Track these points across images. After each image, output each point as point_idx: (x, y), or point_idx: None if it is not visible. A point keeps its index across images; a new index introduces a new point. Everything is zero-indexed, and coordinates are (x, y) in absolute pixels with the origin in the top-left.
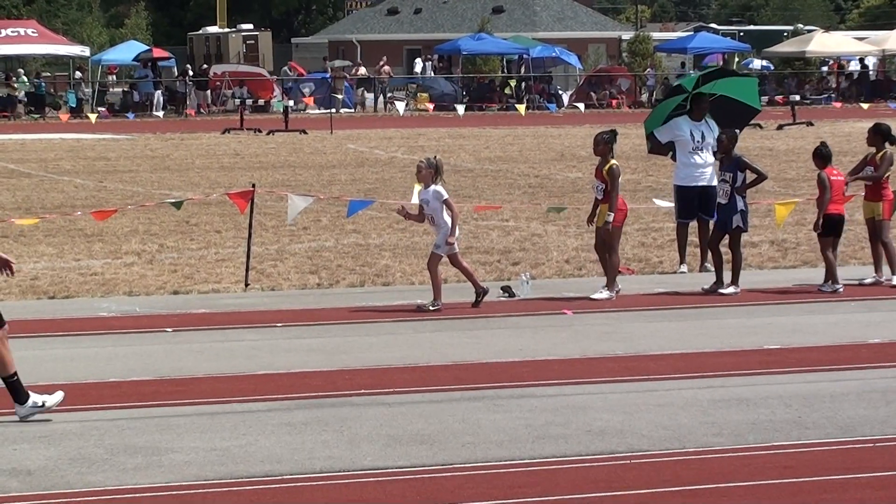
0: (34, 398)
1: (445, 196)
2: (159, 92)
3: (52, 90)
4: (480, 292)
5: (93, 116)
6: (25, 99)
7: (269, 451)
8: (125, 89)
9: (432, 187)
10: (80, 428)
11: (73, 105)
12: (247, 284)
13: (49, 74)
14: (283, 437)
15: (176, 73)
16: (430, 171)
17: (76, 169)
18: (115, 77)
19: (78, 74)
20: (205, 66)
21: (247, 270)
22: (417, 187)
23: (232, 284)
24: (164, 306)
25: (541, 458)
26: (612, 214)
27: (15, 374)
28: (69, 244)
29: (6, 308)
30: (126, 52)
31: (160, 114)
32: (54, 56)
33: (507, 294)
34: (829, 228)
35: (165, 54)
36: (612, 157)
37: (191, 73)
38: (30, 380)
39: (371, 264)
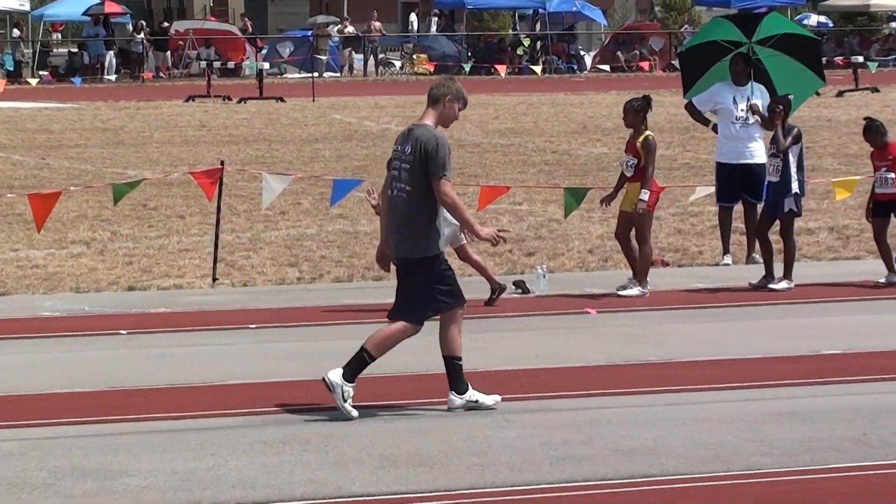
0: None
1: None
2: (111, 53)
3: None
4: (496, 289)
5: (33, 81)
6: None
7: (240, 475)
8: (72, 50)
9: None
10: (19, 447)
11: (10, 68)
12: (215, 279)
13: None
14: (257, 458)
15: (131, 31)
16: None
17: (13, 143)
18: (59, 35)
19: (16, 32)
20: (165, 22)
21: (214, 263)
22: None
23: (197, 279)
24: (118, 305)
25: (560, 482)
26: (647, 192)
27: None
28: (5, 232)
29: None
30: (73, 5)
31: (112, 78)
32: None
33: (520, 290)
34: (881, 209)
35: (119, 9)
36: (647, 128)
37: (148, 30)
38: None
39: (360, 255)
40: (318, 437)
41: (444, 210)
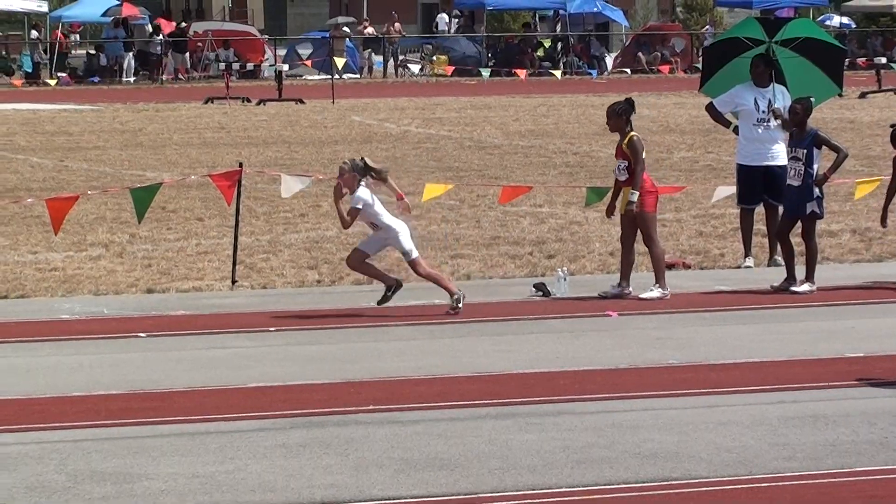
0: None
1: (357, 205)
2: (130, 54)
3: (3, 52)
4: (392, 286)
5: (52, 83)
6: None
7: (260, 478)
8: (90, 51)
9: (358, 192)
10: (39, 451)
11: (29, 70)
12: (234, 282)
13: (0, 34)
14: (277, 462)
15: (150, 33)
16: (354, 175)
17: (32, 145)
18: (78, 37)
19: (34, 34)
20: (184, 23)
21: (234, 265)
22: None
23: (216, 281)
24: (137, 307)
25: (581, 485)
26: (637, 193)
27: None
28: (24, 234)
29: None
30: (91, 7)
31: (131, 80)
32: (6, 12)
33: (540, 293)
34: None
35: (137, 11)
36: (632, 129)
37: (167, 32)
38: None
39: (380, 258)
40: (338, 440)
41: (381, 222)
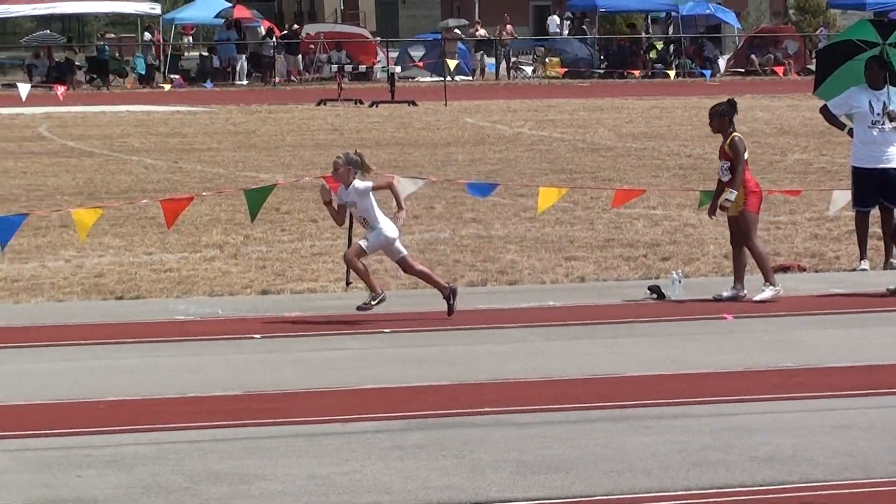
0: None
1: (370, 183)
2: (243, 57)
3: (117, 54)
4: (447, 293)
5: (165, 85)
6: (86, 65)
7: (376, 480)
8: (203, 53)
9: (352, 185)
10: (156, 451)
11: (142, 72)
12: (348, 283)
13: (114, 36)
14: (393, 463)
15: (262, 35)
16: (349, 169)
17: (146, 147)
18: (191, 39)
19: (147, 36)
20: (296, 25)
21: (348, 267)
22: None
23: (330, 283)
24: (252, 308)
25: (697, 488)
26: (734, 192)
27: None
28: (139, 235)
29: (67, 310)
30: (204, 9)
31: (244, 82)
32: (120, 14)
33: (655, 295)
34: None
35: (249, 14)
36: (734, 130)
37: (279, 34)
38: (95, 394)
39: (494, 259)
40: (454, 442)
41: (373, 217)
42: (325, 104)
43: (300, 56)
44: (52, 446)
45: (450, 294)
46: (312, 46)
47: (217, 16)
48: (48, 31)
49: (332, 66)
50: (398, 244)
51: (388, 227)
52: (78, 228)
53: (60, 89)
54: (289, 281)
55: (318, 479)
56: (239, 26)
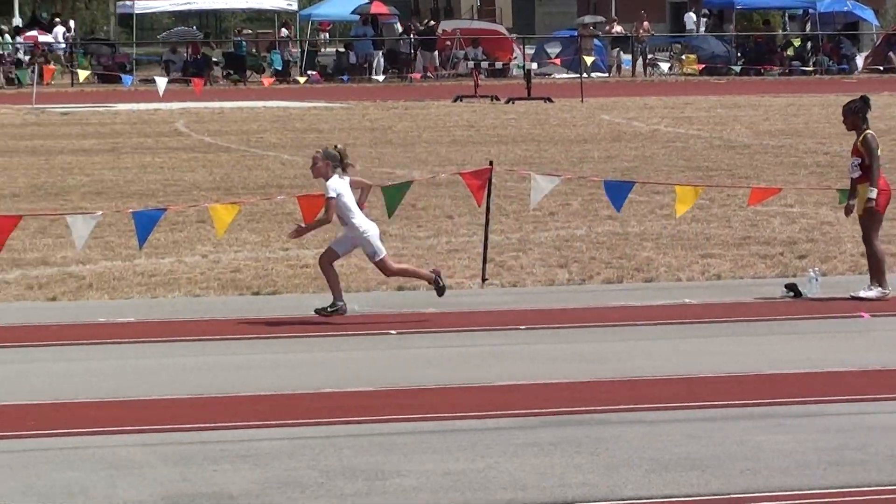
0: None
1: (346, 178)
2: (380, 53)
3: (254, 50)
4: (433, 279)
5: (302, 81)
6: (223, 61)
7: (511, 476)
8: (339, 49)
9: (330, 181)
10: (290, 446)
11: (279, 68)
12: (484, 279)
13: (251, 32)
14: (528, 460)
15: (399, 31)
16: (327, 164)
17: (282, 142)
18: (327, 35)
19: (284, 32)
20: (432, 22)
21: (484, 263)
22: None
23: (466, 279)
24: (388, 304)
25: (834, 487)
26: (875, 190)
27: None
28: (276, 231)
29: (204, 305)
30: (340, 5)
31: (380, 78)
32: (256, 11)
33: (791, 293)
34: None
35: (385, 10)
36: (867, 127)
37: (416, 30)
38: (231, 389)
39: (630, 257)
40: (589, 439)
41: (347, 222)
42: (461, 100)
43: (436, 52)
44: (188, 441)
45: (436, 279)
46: (449, 43)
47: (353, 12)
48: (185, 27)
49: (469, 62)
50: (378, 244)
51: (368, 223)
52: (215, 224)
53: (198, 85)
54: None
55: (453, 475)
56: (376, 22)
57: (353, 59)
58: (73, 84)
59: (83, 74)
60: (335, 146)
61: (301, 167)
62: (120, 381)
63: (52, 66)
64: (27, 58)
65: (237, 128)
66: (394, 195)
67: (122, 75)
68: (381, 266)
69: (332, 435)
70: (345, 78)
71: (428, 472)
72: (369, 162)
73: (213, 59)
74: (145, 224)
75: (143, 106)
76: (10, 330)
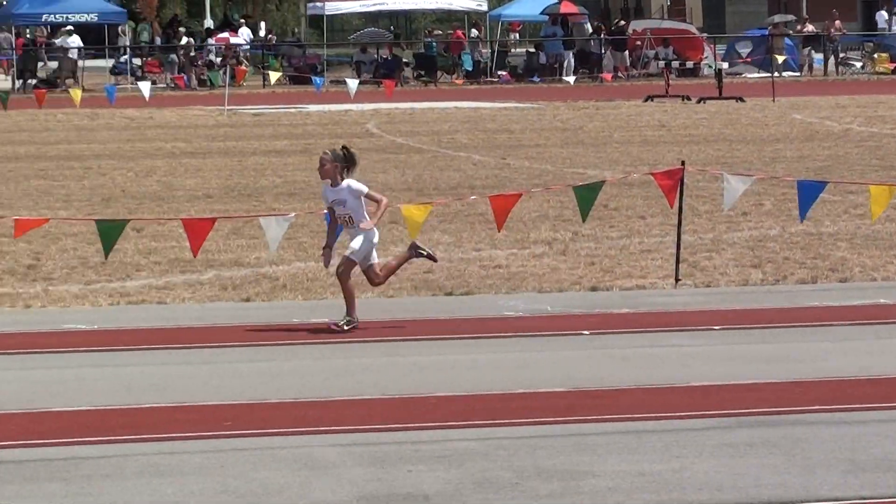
0: None
1: (366, 190)
2: (570, 53)
3: (444, 51)
4: (352, 321)
5: (493, 81)
6: (413, 61)
7: (706, 477)
8: (529, 50)
9: (343, 183)
10: (484, 447)
11: (469, 68)
12: (677, 280)
13: (440, 33)
14: (723, 461)
15: (589, 31)
16: (336, 165)
17: (474, 143)
18: (517, 36)
19: (474, 32)
20: (622, 21)
21: (677, 263)
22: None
23: (659, 280)
24: (581, 305)
25: None
26: None
27: None
28: (468, 232)
29: (397, 305)
30: (530, 5)
31: (571, 79)
32: (447, 11)
33: None
34: None
35: (575, 9)
36: None
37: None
38: (425, 390)
39: (824, 257)
40: (784, 440)
41: (360, 217)
42: (651, 100)
43: (627, 52)
44: (383, 441)
45: (415, 251)
46: (639, 43)
47: (542, 12)
48: (376, 28)
49: (659, 62)
50: (374, 251)
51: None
52: (408, 225)
53: (389, 86)
54: (617, 278)
55: (648, 476)
56: (566, 22)
57: (543, 59)
58: (264, 85)
59: (274, 76)
60: (342, 147)
61: (492, 168)
62: (314, 381)
63: (243, 67)
64: (219, 59)
65: (428, 128)
66: (586, 196)
67: (314, 78)
68: (369, 274)
69: (526, 436)
70: (535, 79)
71: (622, 472)
72: (560, 162)
73: (404, 60)
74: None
75: (334, 107)
76: (204, 330)
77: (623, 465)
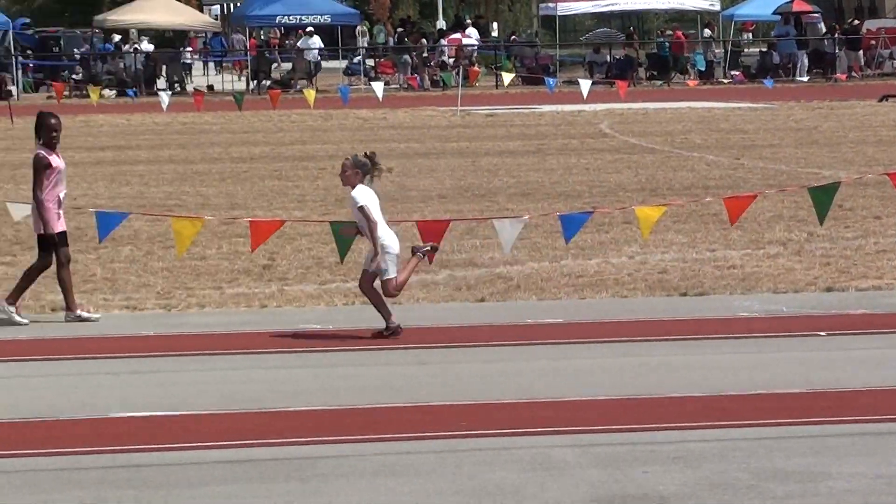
0: None
1: (359, 203)
2: (803, 53)
3: (678, 51)
4: (393, 329)
5: (725, 81)
6: (646, 62)
7: None
8: (762, 49)
9: (355, 190)
10: (720, 448)
11: (702, 68)
12: None
13: (672, 33)
14: None
15: (822, 30)
16: (356, 172)
17: (707, 143)
18: (750, 35)
19: (707, 32)
20: (856, 20)
21: None
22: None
23: (895, 280)
24: (816, 305)
25: None
26: None
27: None
28: (701, 232)
29: (630, 305)
30: (763, 5)
31: (804, 78)
32: (679, 11)
33: None
34: None
35: (808, 7)
36: None
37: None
38: (658, 390)
39: None
40: None
41: (364, 235)
42: (887, 100)
43: (861, 51)
44: (618, 442)
45: (418, 251)
46: (874, 42)
47: (775, 12)
48: (608, 28)
49: (894, 61)
50: (392, 264)
51: (391, 239)
52: (641, 225)
53: (622, 86)
54: (853, 278)
55: (886, 478)
56: (799, 21)
57: (776, 59)
58: (497, 86)
59: (507, 77)
60: (365, 153)
61: (726, 168)
62: (549, 382)
63: (476, 68)
64: (451, 60)
65: (661, 129)
66: (822, 198)
67: (546, 79)
68: (384, 286)
69: (763, 437)
70: (768, 79)
71: (859, 474)
72: (794, 163)
73: (637, 61)
74: (572, 227)
75: (566, 107)
76: (439, 330)
77: (861, 467)
